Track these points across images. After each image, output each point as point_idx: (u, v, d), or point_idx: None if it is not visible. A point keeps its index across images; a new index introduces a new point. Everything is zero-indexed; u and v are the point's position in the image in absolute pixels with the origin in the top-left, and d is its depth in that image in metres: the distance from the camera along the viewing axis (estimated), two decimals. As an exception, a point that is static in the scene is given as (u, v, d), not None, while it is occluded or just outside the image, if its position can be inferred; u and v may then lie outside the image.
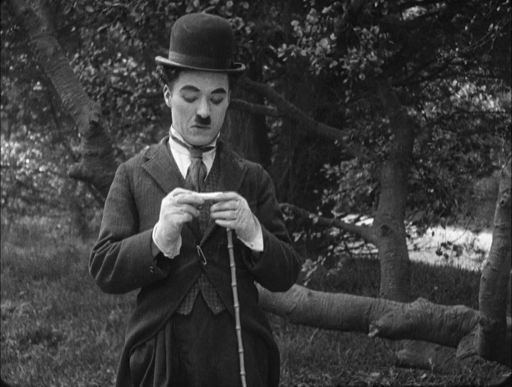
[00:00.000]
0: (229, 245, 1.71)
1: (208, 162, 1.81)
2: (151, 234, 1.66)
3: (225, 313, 1.73)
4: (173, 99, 1.77)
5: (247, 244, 1.70)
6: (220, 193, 1.64)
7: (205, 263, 1.71)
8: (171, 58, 1.74)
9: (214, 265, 1.72)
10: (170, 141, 1.85)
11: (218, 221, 1.64)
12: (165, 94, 1.83)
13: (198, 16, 1.72)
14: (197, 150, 1.80)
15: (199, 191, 1.74)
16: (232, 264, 1.72)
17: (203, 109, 1.72)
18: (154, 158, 1.82)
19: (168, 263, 1.69)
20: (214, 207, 1.64)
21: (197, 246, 1.71)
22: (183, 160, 1.81)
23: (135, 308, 1.80)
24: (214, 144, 1.83)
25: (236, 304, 1.71)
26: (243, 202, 1.66)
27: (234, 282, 1.72)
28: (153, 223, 1.69)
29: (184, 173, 1.79)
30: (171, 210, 1.60)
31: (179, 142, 1.82)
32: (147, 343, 1.73)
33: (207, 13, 1.78)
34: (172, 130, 1.85)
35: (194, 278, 1.71)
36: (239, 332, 1.72)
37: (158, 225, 1.64)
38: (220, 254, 1.73)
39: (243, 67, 1.79)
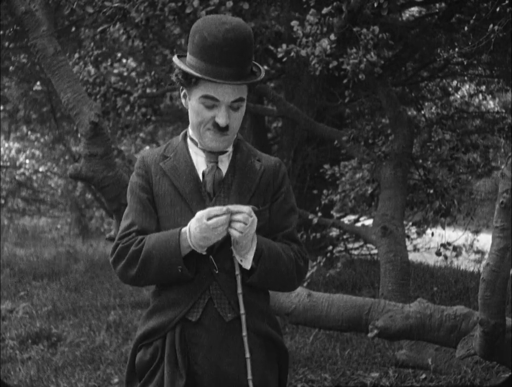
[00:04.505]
0: (234, 253, 1.73)
1: (224, 164, 1.81)
2: (179, 236, 1.68)
3: (236, 320, 1.75)
4: (192, 103, 1.76)
5: (237, 257, 1.73)
6: (240, 206, 1.68)
7: (217, 272, 1.73)
8: (190, 63, 1.71)
9: (225, 274, 1.74)
10: (188, 140, 1.84)
11: (228, 229, 1.67)
12: (181, 94, 1.81)
13: (220, 24, 1.67)
14: (213, 154, 1.79)
15: (214, 195, 1.77)
16: (237, 272, 1.74)
17: (222, 118, 1.71)
18: (172, 157, 1.81)
19: (194, 266, 1.71)
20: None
21: (210, 256, 1.73)
22: (199, 162, 1.81)
23: (149, 305, 1.83)
24: (230, 148, 1.83)
25: (242, 311, 1.74)
26: (254, 220, 1.68)
27: (239, 290, 1.74)
28: (170, 225, 1.73)
29: (201, 175, 1.79)
30: (209, 233, 1.64)
31: (196, 144, 1.82)
32: (154, 343, 1.77)
33: (227, 16, 1.73)
34: (190, 131, 1.84)
35: (205, 285, 1.74)
36: (245, 339, 1.74)
37: (195, 236, 1.66)
38: (230, 263, 1.75)
39: (263, 73, 1.76)
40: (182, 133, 1.88)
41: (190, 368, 1.72)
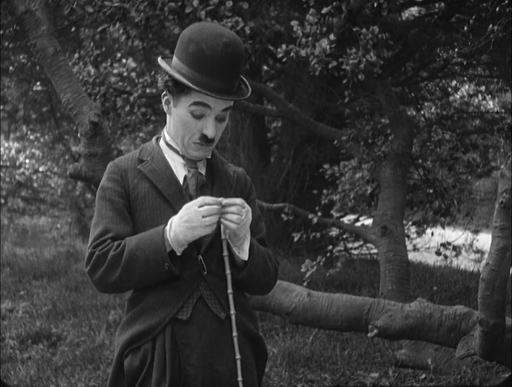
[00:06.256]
0: (225, 253, 1.74)
1: (202, 169, 1.83)
2: (163, 233, 1.66)
3: (227, 319, 1.76)
4: (178, 111, 1.75)
5: (235, 250, 1.73)
6: (232, 198, 1.69)
7: (205, 272, 1.73)
8: (182, 72, 1.69)
9: (212, 274, 1.75)
10: (163, 145, 1.83)
11: (224, 221, 1.67)
12: (163, 100, 1.79)
13: (217, 36, 1.66)
14: (192, 161, 1.80)
15: (197, 197, 1.75)
16: (228, 271, 1.74)
17: (210, 130, 1.72)
18: (149, 160, 1.79)
19: (179, 263, 1.69)
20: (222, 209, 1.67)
21: (199, 256, 1.73)
22: (177, 167, 1.80)
23: (128, 312, 1.79)
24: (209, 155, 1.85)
25: (232, 311, 1.75)
26: (249, 210, 1.70)
27: (230, 290, 1.75)
28: (152, 227, 1.69)
29: (180, 179, 1.78)
30: (198, 222, 1.62)
31: (174, 150, 1.81)
32: (143, 346, 1.73)
33: (220, 26, 1.72)
34: (167, 137, 1.83)
35: (194, 286, 1.73)
36: (235, 339, 1.75)
37: (176, 228, 1.64)
38: (217, 263, 1.75)
39: (250, 89, 1.77)
40: (155, 138, 1.87)
41: (181, 371, 1.70)
